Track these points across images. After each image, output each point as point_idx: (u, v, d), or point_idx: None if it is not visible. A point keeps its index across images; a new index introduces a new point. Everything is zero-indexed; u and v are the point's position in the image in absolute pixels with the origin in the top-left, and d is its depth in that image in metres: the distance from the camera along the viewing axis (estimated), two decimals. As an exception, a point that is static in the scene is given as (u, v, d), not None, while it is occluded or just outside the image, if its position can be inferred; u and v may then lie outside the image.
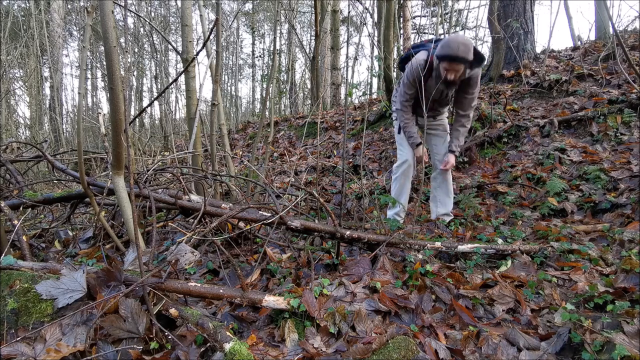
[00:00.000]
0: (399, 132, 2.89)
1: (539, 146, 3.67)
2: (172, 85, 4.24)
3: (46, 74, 11.14)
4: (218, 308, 1.66)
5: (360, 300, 1.60)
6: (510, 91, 4.88)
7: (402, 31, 8.66)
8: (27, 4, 10.35)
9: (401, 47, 7.95)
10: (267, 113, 4.88)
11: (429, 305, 1.64)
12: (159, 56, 9.04)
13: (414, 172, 2.89)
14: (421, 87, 2.47)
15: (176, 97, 8.64)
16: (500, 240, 2.22)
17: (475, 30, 10.32)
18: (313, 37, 12.05)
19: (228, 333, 1.31)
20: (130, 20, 9.74)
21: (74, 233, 2.75)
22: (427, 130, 2.92)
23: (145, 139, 7.07)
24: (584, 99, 4.14)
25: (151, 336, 1.31)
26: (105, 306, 1.30)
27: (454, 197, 2.99)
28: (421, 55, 2.58)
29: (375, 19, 7.03)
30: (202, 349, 1.29)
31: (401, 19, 8.70)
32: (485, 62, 2.94)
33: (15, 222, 2.04)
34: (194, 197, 2.35)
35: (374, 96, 9.04)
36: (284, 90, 11.22)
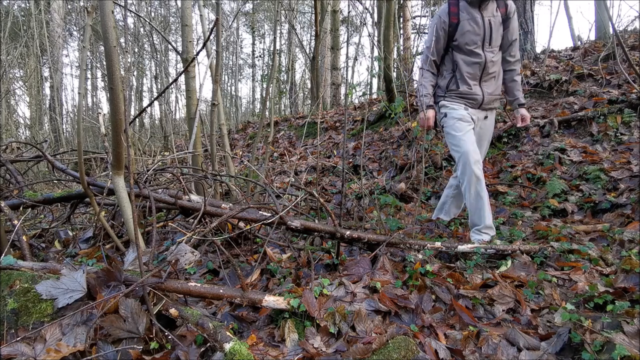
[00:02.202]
0: (444, 116, 2.45)
1: (539, 146, 3.67)
2: (172, 85, 4.24)
3: (46, 74, 11.14)
4: (218, 308, 1.66)
5: (360, 300, 1.60)
6: (510, 91, 4.87)
7: (402, 31, 8.66)
8: (27, 4, 10.35)
9: (401, 47, 7.95)
10: (267, 113, 4.88)
11: (429, 305, 1.64)
12: (159, 56, 9.04)
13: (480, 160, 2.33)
14: (455, 29, 2.30)
15: (176, 97, 8.65)
16: (498, 242, 2.22)
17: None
18: (313, 37, 12.06)
19: (228, 333, 1.31)
20: (130, 20, 9.74)
21: (74, 233, 2.75)
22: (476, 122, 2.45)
23: (145, 139, 7.07)
24: (584, 99, 4.14)
25: (151, 336, 1.31)
26: (105, 306, 1.30)
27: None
28: (443, 6, 2.42)
29: (375, 19, 7.03)
30: (202, 349, 1.29)
31: (401, 19, 8.71)
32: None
33: (15, 222, 2.04)
34: (194, 197, 2.35)
35: (374, 96, 9.04)
36: (284, 90, 11.22)
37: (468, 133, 2.34)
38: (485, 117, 2.51)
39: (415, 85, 6.74)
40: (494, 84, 2.43)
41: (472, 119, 2.42)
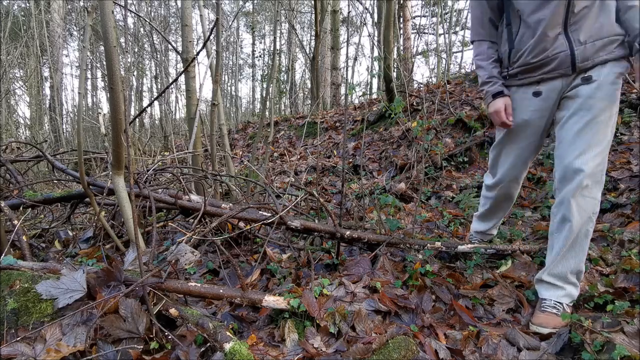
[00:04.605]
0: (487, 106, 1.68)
1: (539, 146, 3.66)
2: (172, 85, 4.25)
3: (46, 74, 11.14)
4: (218, 308, 1.66)
5: (360, 300, 1.60)
6: (510, 91, 4.86)
7: (402, 31, 8.67)
8: (27, 4, 10.36)
9: (401, 47, 7.96)
10: (267, 113, 4.88)
11: (429, 305, 1.64)
12: (159, 56, 9.04)
13: (517, 187, 1.84)
14: None
15: (176, 97, 8.65)
16: (498, 241, 2.22)
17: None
18: (313, 37, 12.05)
19: (228, 333, 1.31)
20: (130, 20, 9.74)
21: (74, 233, 2.75)
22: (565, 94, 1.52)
23: (145, 139, 7.07)
24: (584, 99, 4.13)
25: (151, 336, 1.31)
26: (105, 306, 1.30)
27: (454, 197, 2.93)
28: None
29: (375, 19, 7.03)
30: (202, 349, 1.29)
31: (401, 19, 8.72)
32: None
33: (15, 222, 2.03)
34: (194, 197, 2.35)
35: (374, 96, 9.04)
36: (284, 90, 11.22)
37: (512, 154, 1.70)
38: (588, 80, 1.47)
39: (416, 85, 6.74)
40: (590, 25, 1.40)
41: (541, 107, 1.56)
